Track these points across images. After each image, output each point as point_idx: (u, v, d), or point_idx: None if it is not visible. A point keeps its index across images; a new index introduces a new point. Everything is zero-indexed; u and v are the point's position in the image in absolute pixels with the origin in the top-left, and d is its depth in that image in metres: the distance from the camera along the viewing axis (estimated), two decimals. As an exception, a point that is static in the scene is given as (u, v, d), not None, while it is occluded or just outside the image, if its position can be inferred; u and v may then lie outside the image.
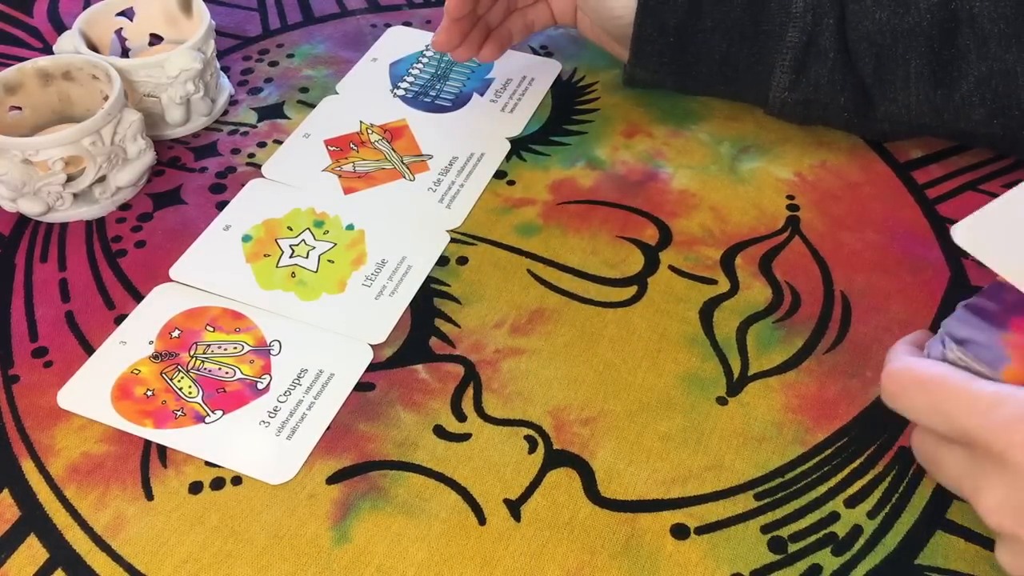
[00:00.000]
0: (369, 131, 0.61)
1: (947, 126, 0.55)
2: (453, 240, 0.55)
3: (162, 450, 0.45)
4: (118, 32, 0.64)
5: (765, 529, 0.42)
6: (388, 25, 0.70)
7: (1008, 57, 0.51)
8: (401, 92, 0.64)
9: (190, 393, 0.47)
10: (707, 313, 0.50)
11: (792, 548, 0.41)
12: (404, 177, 0.58)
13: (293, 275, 0.52)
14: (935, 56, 0.53)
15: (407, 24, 0.70)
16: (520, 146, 0.60)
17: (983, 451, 0.35)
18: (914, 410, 0.38)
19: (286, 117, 0.63)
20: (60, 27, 0.70)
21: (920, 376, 0.37)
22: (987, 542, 0.41)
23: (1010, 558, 0.36)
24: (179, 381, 0.48)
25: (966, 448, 0.36)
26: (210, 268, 0.53)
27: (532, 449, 0.45)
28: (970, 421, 0.35)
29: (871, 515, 0.42)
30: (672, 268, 0.53)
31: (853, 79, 0.55)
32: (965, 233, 0.38)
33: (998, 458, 0.34)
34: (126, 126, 0.55)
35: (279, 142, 0.61)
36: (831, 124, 0.58)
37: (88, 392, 0.47)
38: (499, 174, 0.58)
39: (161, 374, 0.48)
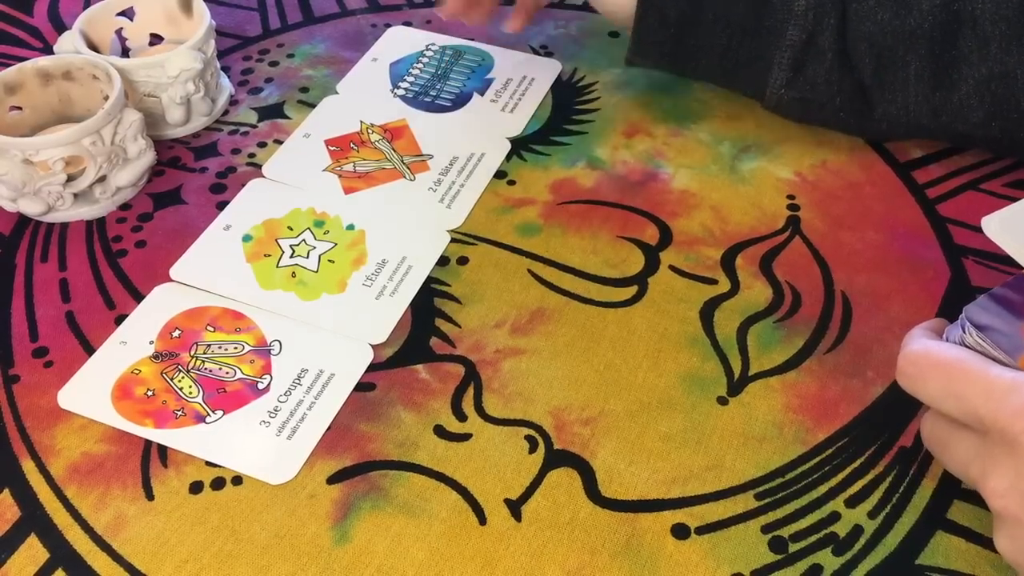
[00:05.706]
0: (369, 131, 0.61)
1: (945, 128, 0.55)
2: (453, 240, 0.55)
3: (163, 450, 0.45)
4: (118, 32, 0.64)
5: (766, 529, 0.42)
6: (388, 25, 0.70)
7: (1009, 59, 0.51)
8: (401, 92, 0.64)
9: (190, 393, 0.47)
10: (707, 313, 0.50)
11: (793, 548, 0.41)
12: (404, 177, 0.58)
13: (293, 275, 0.52)
14: (935, 58, 0.53)
15: (407, 24, 0.70)
16: (520, 146, 0.60)
17: (996, 436, 0.35)
18: (929, 393, 0.38)
19: (286, 117, 0.63)
20: (60, 27, 0.70)
21: (938, 359, 0.38)
22: (988, 542, 0.41)
23: (1010, 543, 0.36)
24: (179, 381, 0.48)
25: (977, 433, 0.37)
26: (210, 268, 0.53)
27: (533, 449, 0.45)
28: (986, 406, 0.36)
29: (872, 515, 0.42)
30: (672, 268, 0.53)
31: (850, 80, 0.55)
32: (996, 225, 0.40)
33: (1010, 444, 0.35)
34: (126, 126, 0.55)
35: (279, 142, 0.61)
36: (828, 125, 0.58)
37: (88, 392, 0.47)
38: (499, 174, 0.58)
39: (161, 374, 0.48)
